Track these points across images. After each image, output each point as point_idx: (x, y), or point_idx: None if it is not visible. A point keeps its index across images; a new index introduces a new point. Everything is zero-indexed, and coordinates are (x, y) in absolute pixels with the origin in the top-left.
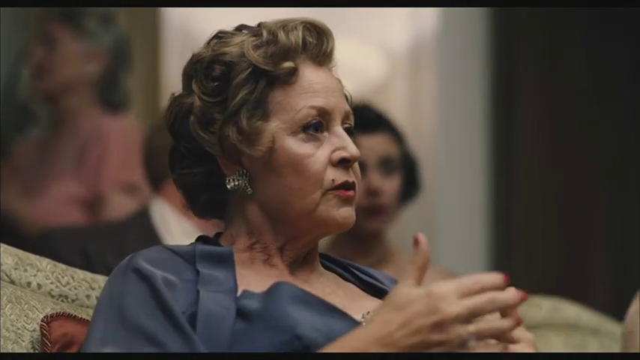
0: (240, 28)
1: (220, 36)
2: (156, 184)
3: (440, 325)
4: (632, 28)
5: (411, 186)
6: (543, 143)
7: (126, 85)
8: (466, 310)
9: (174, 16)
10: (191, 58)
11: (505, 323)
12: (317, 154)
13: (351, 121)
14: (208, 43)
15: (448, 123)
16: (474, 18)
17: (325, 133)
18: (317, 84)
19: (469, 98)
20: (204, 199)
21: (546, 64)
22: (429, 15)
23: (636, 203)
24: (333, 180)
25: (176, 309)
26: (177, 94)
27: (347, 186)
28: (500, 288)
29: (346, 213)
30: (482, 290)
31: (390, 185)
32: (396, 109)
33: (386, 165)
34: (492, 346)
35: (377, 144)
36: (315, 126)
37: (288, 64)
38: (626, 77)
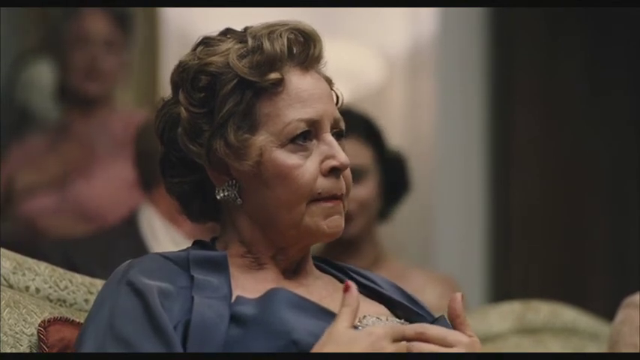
0: (225, 33)
1: (206, 42)
2: (147, 186)
3: None
4: (631, 29)
5: (396, 186)
6: (542, 146)
7: None
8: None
9: (172, 17)
10: (178, 66)
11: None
12: (306, 164)
13: (341, 126)
14: (194, 50)
15: (447, 126)
16: (473, 21)
17: (314, 141)
18: (304, 92)
19: (468, 101)
20: (198, 206)
21: (545, 67)
22: (427, 18)
23: (636, 207)
24: (319, 193)
25: (168, 326)
26: (166, 100)
27: (333, 196)
28: None
29: (333, 222)
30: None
31: (358, 193)
32: (394, 112)
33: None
34: None
35: None
36: (304, 135)
37: (274, 76)
38: (625, 79)
